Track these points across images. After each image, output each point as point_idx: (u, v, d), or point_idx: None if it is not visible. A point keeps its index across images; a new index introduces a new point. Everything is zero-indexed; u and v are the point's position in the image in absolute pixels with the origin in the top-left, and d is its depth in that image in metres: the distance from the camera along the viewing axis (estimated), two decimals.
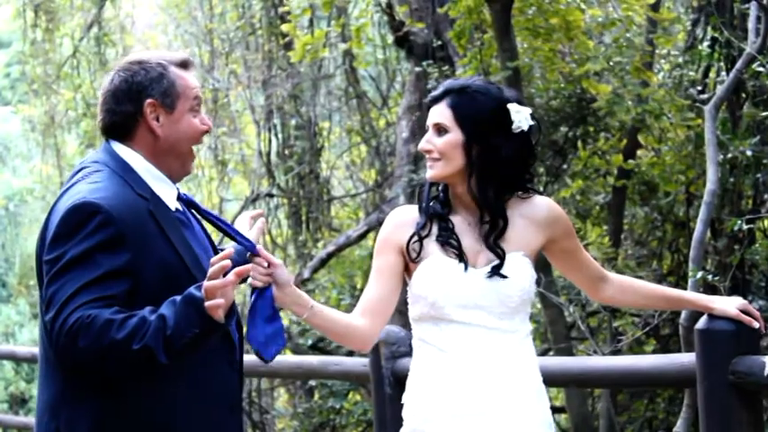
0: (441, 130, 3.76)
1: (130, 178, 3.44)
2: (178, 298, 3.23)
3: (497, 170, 3.75)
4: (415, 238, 3.80)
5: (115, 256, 3.27)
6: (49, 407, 3.42)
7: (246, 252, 3.58)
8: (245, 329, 3.58)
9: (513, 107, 3.80)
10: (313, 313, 3.69)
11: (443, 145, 3.74)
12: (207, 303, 3.16)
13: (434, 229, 3.81)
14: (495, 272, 3.72)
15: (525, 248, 3.79)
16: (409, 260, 3.81)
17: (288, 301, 3.63)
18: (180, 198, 3.59)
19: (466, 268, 3.73)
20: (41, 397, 3.46)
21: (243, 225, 3.92)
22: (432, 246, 3.79)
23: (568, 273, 4.05)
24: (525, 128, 3.80)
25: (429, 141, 3.77)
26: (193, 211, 3.66)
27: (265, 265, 3.55)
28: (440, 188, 3.87)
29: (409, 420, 3.83)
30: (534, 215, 3.83)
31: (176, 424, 3.41)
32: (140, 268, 3.31)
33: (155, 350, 3.16)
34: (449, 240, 3.76)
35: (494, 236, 3.76)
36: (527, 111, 3.83)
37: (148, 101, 3.47)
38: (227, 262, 3.20)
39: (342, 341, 3.92)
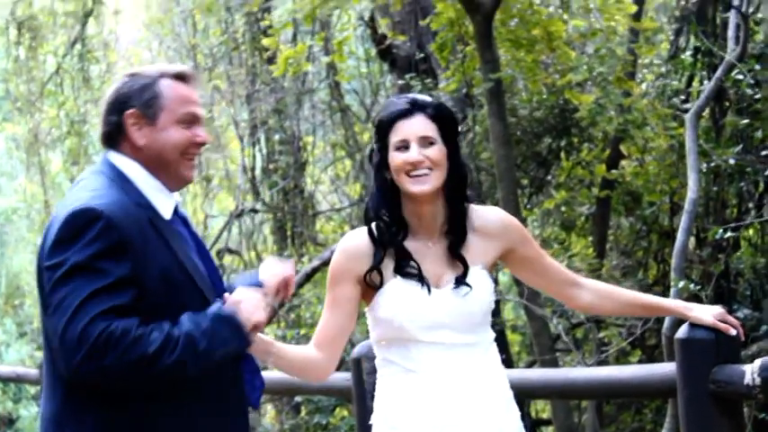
0: (429, 142, 3.71)
1: (127, 187, 3.44)
2: (203, 315, 3.30)
3: (464, 183, 3.77)
4: (374, 272, 3.76)
5: (120, 263, 3.26)
6: (53, 419, 3.39)
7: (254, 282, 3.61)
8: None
9: None
10: (277, 356, 3.69)
11: (436, 155, 3.70)
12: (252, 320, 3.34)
13: (391, 256, 3.76)
14: (460, 283, 3.70)
15: (482, 261, 3.77)
16: (368, 287, 3.77)
17: (254, 348, 3.58)
18: (177, 213, 3.58)
19: (429, 291, 3.71)
20: (45, 409, 3.43)
21: (268, 271, 3.83)
22: (390, 270, 3.76)
23: (536, 281, 4.01)
24: None
25: (420, 152, 3.70)
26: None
27: None
28: (384, 212, 3.78)
29: None
30: (486, 226, 3.80)
31: None
32: (143, 276, 3.30)
33: (186, 365, 3.22)
34: (408, 270, 3.73)
35: (459, 248, 3.75)
36: None
37: (129, 111, 3.48)
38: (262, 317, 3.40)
39: (300, 375, 3.91)
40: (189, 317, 3.28)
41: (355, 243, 3.80)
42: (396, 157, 3.71)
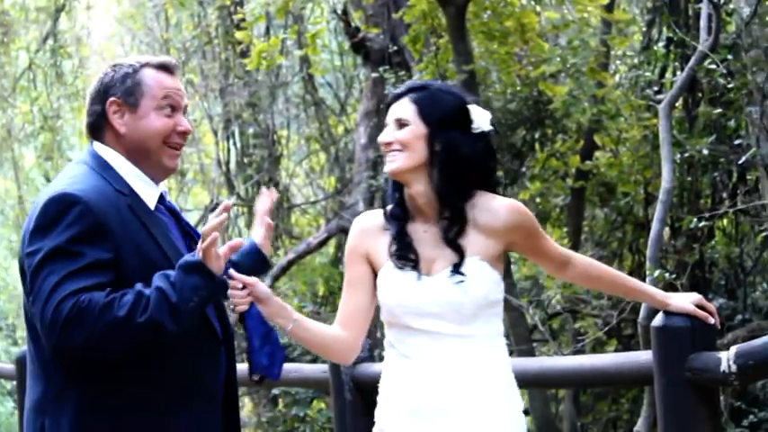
0: (402, 124, 3.71)
1: (108, 175, 3.46)
2: (170, 271, 3.27)
3: (458, 168, 3.68)
4: (377, 254, 3.77)
5: (97, 247, 3.27)
6: (35, 405, 3.41)
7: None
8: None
9: (473, 108, 3.77)
10: (297, 325, 3.68)
11: (405, 136, 3.68)
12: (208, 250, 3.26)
13: (389, 239, 3.76)
14: (456, 271, 3.66)
15: (482, 254, 3.71)
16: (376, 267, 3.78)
17: (273, 313, 3.62)
18: (164, 203, 3.59)
19: (419, 277, 3.70)
20: (30, 397, 3.46)
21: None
22: (387, 254, 3.76)
23: (531, 259, 4.07)
24: (485, 129, 3.76)
25: (390, 134, 3.71)
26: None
27: (240, 286, 3.56)
28: (395, 196, 3.79)
29: (378, 421, 3.82)
30: (491, 223, 3.70)
31: (158, 420, 3.38)
32: (121, 259, 3.32)
33: (161, 320, 3.20)
34: (406, 254, 3.71)
35: (453, 233, 3.69)
36: (487, 114, 3.81)
37: (111, 99, 3.51)
38: (216, 234, 3.27)
39: (324, 353, 3.94)
40: (159, 274, 3.28)
41: (367, 222, 3.83)
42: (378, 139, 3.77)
